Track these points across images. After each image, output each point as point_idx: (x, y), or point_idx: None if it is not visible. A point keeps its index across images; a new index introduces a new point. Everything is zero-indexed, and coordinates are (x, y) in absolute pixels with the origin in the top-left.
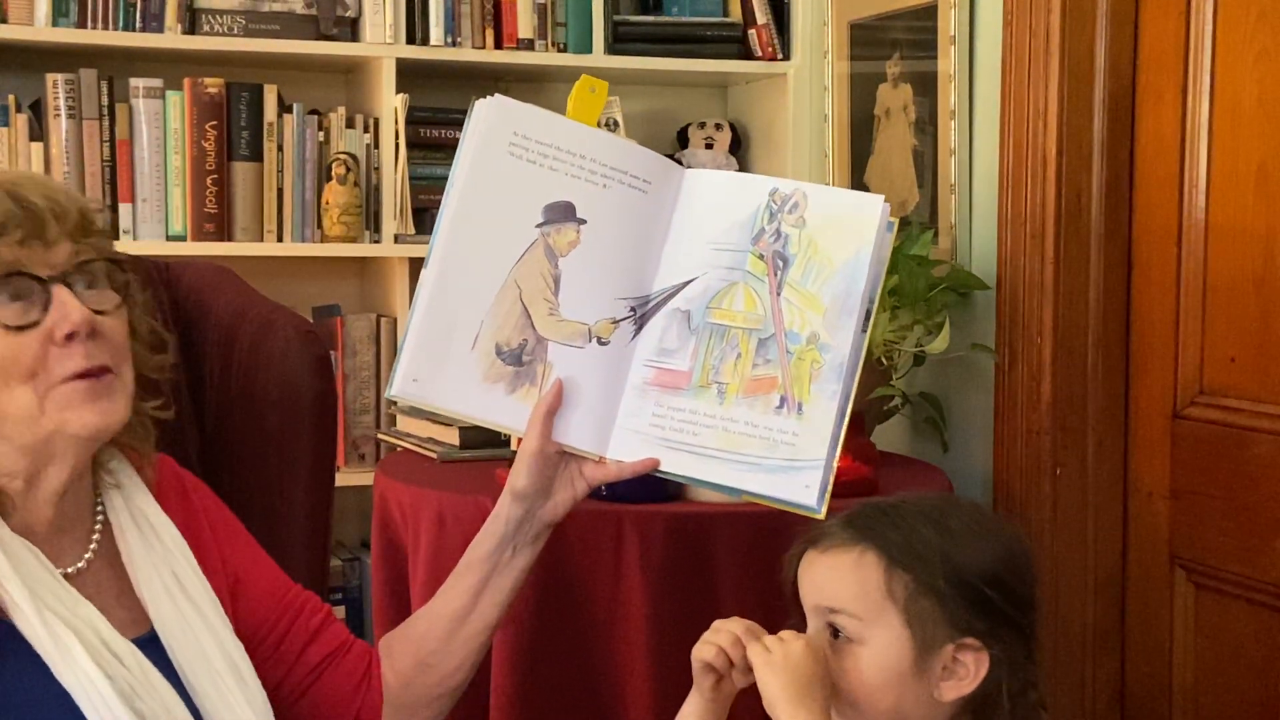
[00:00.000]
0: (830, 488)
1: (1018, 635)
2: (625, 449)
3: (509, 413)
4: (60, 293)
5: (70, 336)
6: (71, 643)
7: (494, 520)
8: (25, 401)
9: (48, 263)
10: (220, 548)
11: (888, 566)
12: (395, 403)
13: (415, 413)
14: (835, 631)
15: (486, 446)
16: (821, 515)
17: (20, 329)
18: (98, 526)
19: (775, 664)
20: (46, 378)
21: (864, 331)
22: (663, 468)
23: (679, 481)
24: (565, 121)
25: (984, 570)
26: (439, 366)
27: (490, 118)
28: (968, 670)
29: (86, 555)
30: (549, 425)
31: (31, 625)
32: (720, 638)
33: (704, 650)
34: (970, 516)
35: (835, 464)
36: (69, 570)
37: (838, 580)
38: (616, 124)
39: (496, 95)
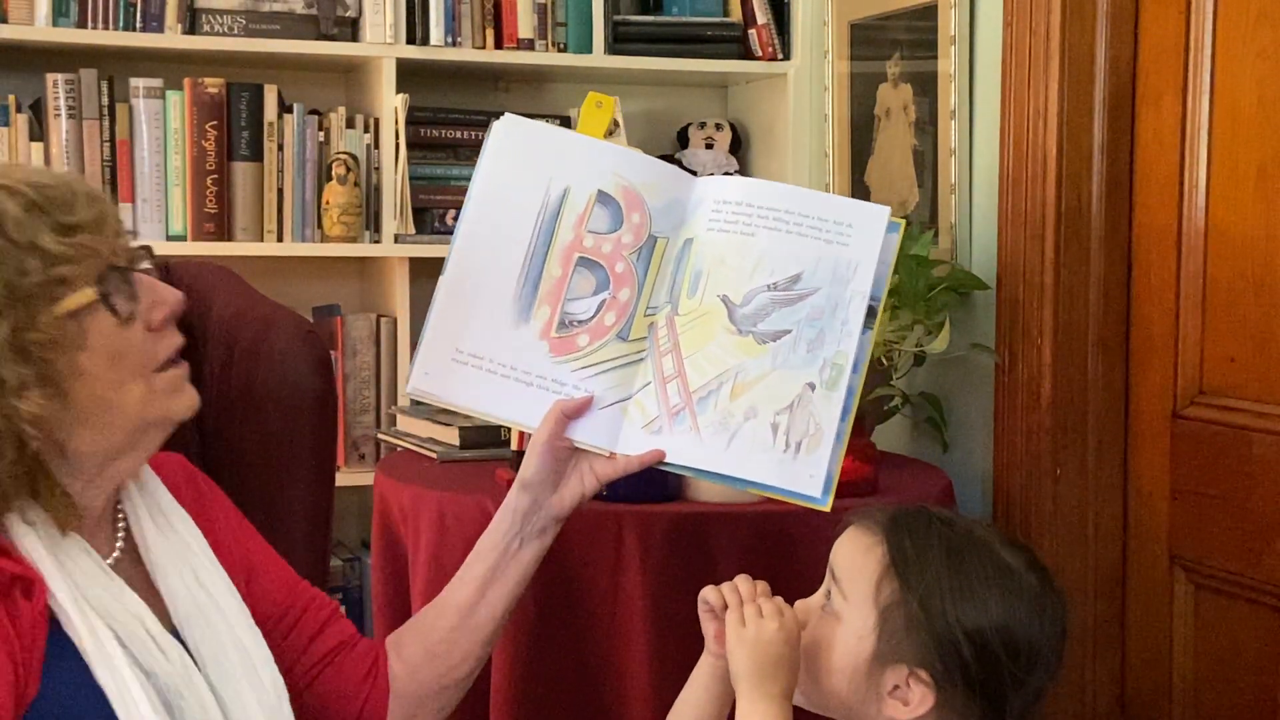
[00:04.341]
0: (835, 480)
1: (973, 697)
2: (634, 443)
3: (521, 409)
4: (142, 280)
5: (165, 320)
6: (108, 640)
7: (502, 511)
8: (137, 393)
9: (122, 251)
10: (235, 539)
11: (886, 568)
12: (395, 402)
13: (421, 410)
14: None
15: (486, 446)
16: (827, 508)
17: (128, 320)
18: (121, 521)
19: (746, 640)
20: (150, 366)
21: (869, 330)
22: (668, 459)
23: (683, 474)
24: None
25: (969, 623)
26: (452, 363)
27: (504, 134)
28: (913, 699)
29: (115, 552)
30: (563, 422)
31: (74, 624)
32: (726, 585)
33: (708, 591)
34: (998, 570)
35: (840, 456)
36: (109, 561)
37: (847, 556)
38: (617, 124)
39: (508, 115)
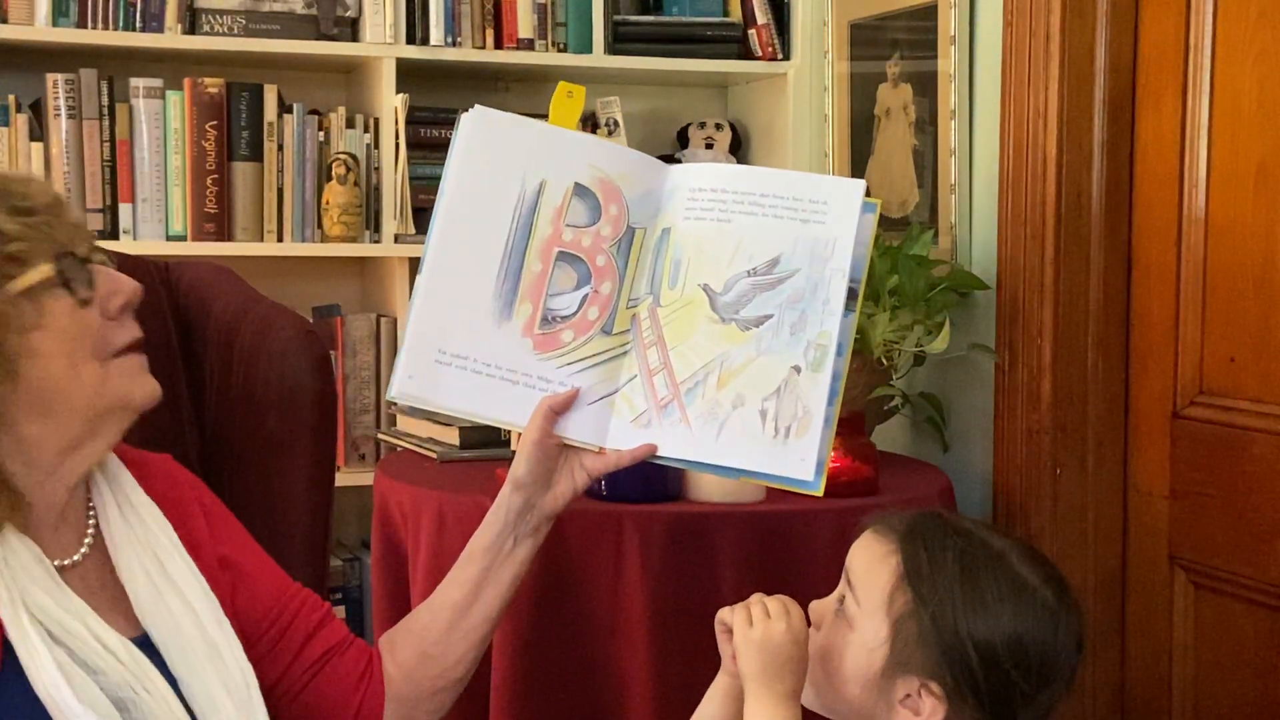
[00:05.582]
0: (826, 464)
1: (984, 711)
2: (624, 438)
3: (509, 409)
4: (100, 269)
5: (123, 308)
6: (41, 644)
7: (495, 510)
8: (92, 377)
9: (80, 241)
10: (216, 542)
11: (900, 578)
12: (394, 403)
13: (415, 412)
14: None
15: (486, 446)
16: (819, 492)
17: (85, 303)
18: (91, 518)
19: (754, 640)
20: (107, 350)
21: (851, 313)
22: (660, 453)
23: (675, 466)
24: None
25: (979, 636)
26: (436, 365)
27: (472, 129)
28: (924, 709)
29: (82, 549)
30: (551, 418)
31: (8, 632)
32: (740, 606)
33: (725, 612)
34: (1012, 585)
35: (830, 440)
36: (65, 563)
37: (863, 562)
38: (617, 124)
39: (477, 107)
